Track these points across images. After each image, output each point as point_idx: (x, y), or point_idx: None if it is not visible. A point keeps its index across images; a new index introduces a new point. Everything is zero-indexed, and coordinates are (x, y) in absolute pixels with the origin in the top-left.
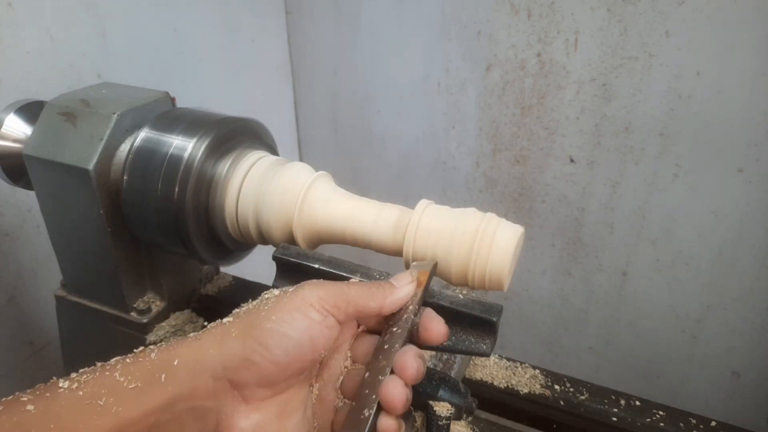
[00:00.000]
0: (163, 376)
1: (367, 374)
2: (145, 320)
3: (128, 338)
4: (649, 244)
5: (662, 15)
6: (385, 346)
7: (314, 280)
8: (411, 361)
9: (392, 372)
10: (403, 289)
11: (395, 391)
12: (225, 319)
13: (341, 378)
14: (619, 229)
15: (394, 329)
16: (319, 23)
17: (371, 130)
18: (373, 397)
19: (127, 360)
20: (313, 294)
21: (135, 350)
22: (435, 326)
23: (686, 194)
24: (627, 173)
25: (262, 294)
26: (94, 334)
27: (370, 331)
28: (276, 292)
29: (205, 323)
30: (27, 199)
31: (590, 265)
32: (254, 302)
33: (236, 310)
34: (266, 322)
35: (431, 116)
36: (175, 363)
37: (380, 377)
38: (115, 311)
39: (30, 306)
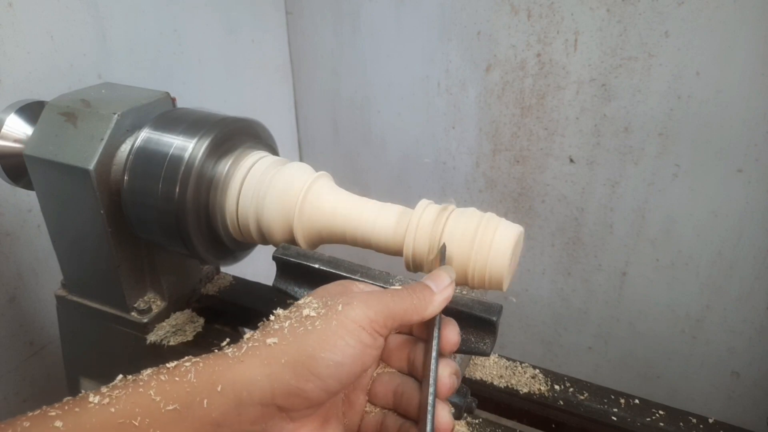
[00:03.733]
0: (206, 401)
1: (420, 391)
2: (145, 320)
3: (128, 338)
4: (648, 244)
5: (662, 15)
6: (429, 361)
7: (360, 294)
8: (446, 379)
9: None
10: (443, 293)
11: (443, 420)
12: (269, 340)
13: (371, 382)
14: (619, 229)
15: (432, 340)
16: (319, 23)
17: (371, 130)
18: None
19: (162, 377)
20: (363, 316)
21: (168, 364)
22: (451, 336)
23: (686, 194)
24: (626, 173)
25: (299, 305)
26: (95, 334)
27: (399, 332)
28: (317, 308)
29: (209, 323)
30: (27, 199)
31: (590, 265)
32: (294, 316)
33: (274, 323)
34: (318, 350)
35: (431, 116)
36: (219, 389)
37: (428, 402)
38: (116, 311)
39: (30, 306)
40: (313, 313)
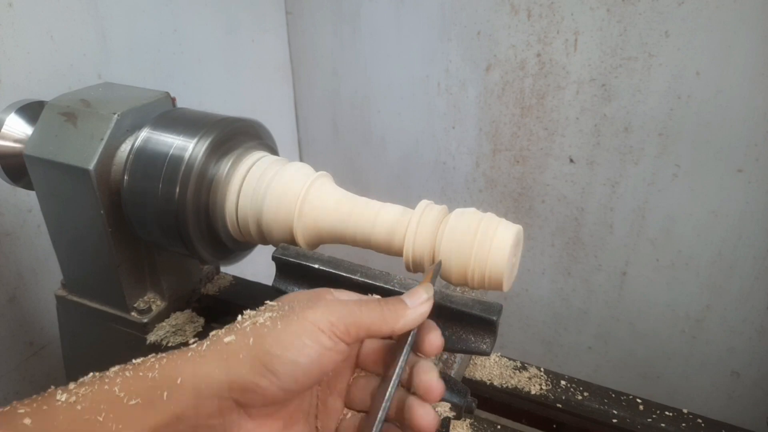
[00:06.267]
0: (165, 394)
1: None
2: (145, 320)
3: (128, 338)
4: (648, 244)
5: (662, 15)
6: (397, 367)
7: (325, 299)
8: (435, 383)
9: (415, 394)
10: (417, 309)
11: (429, 418)
12: (227, 338)
13: (347, 387)
14: (619, 228)
15: (403, 349)
16: (319, 23)
17: (371, 130)
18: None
19: (127, 373)
20: (324, 319)
21: (134, 360)
22: (432, 338)
23: (686, 194)
24: (626, 173)
25: (265, 304)
26: (95, 334)
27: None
28: (281, 310)
29: (209, 324)
30: (27, 199)
31: (590, 265)
32: (258, 316)
33: (239, 323)
34: (275, 347)
35: (431, 116)
36: (179, 381)
37: (377, 417)
38: (116, 311)
39: (30, 306)
40: (276, 314)
